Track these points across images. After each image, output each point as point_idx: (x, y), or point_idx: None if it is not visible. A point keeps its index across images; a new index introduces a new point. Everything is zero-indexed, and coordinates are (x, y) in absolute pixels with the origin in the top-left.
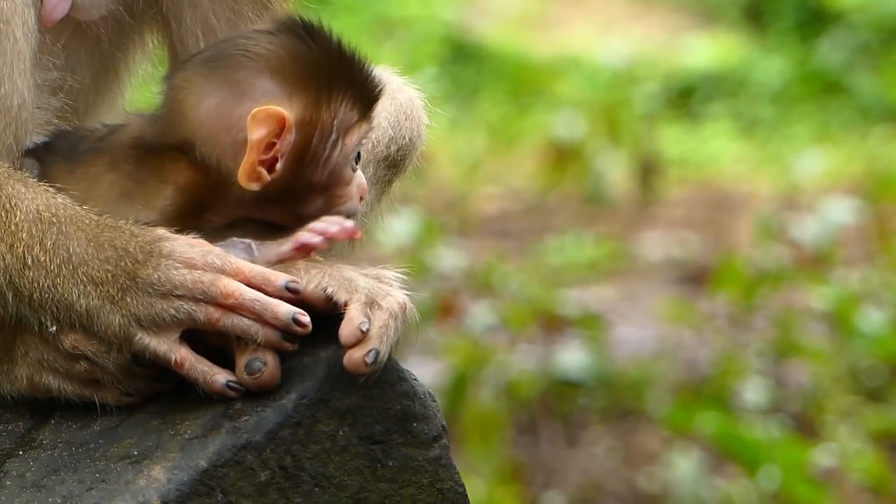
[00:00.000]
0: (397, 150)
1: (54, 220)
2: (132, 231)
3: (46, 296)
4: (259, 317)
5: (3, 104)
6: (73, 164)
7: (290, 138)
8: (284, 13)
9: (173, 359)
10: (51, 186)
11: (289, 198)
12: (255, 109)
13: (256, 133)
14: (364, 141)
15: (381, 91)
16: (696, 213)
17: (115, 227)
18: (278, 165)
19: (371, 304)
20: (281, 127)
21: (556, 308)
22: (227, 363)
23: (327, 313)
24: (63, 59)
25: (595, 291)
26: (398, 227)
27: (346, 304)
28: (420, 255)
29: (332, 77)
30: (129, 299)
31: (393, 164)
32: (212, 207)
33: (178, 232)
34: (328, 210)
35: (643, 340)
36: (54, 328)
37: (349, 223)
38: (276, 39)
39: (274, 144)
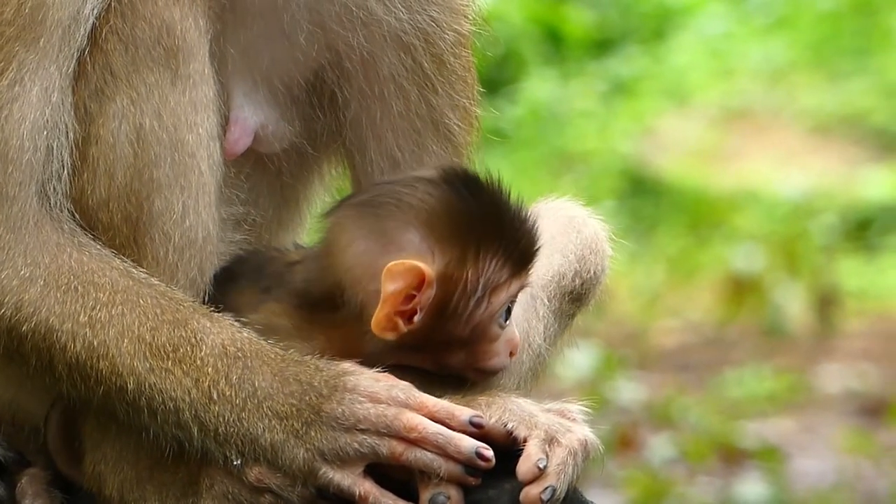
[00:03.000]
0: (581, 284)
1: (240, 355)
2: (317, 365)
3: (232, 430)
4: (442, 451)
5: (189, 237)
6: (255, 295)
7: (430, 292)
8: (465, 149)
9: (357, 493)
10: (235, 320)
11: (430, 349)
12: (392, 263)
13: (391, 286)
14: (514, 299)
15: (536, 251)
16: (874, 345)
17: (300, 361)
18: (417, 318)
19: (550, 440)
20: (420, 281)
21: (735, 440)
22: (410, 496)
23: (508, 448)
24: (245, 193)
25: (774, 423)
26: (578, 360)
27: (525, 440)
28: (600, 388)
29: (483, 234)
30: (313, 433)
31: (577, 298)
32: (362, 352)
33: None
34: (473, 364)
35: (822, 472)
36: (239, 462)
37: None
38: (433, 190)
39: (414, 296)
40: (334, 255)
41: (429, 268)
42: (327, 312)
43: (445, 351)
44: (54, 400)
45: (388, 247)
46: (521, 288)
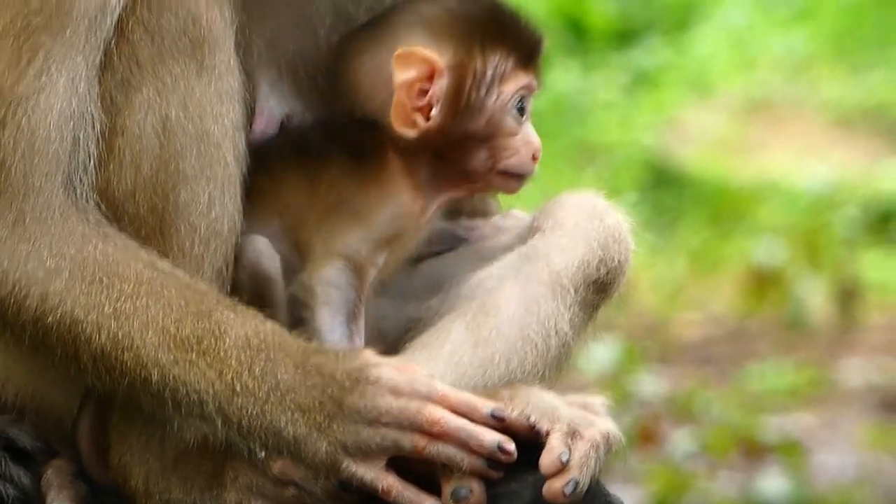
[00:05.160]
0: (607, 273)
1: (262, 347)
2: (338, 356)
3: (255, 423)
4: (465, 444)
5: (214, 228)
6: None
7: (441, 83)
8: None
9: (380, 486)
10: (259, 312)
11: (451, 149)
12: (401, 50)
13: (403, 74)
14: (527, 96)
15: (539, 42)
16: None
17: (322, 352)
18: (434, 111)
19: (573, 433)
20: (430, 70)
21: (757, 434)
22: (433, 489)
23: (531, 441)
24: None
25: (795, 418)
26: (600, 353)
27: (548, 433)
28: (621, 381)
29: (486, 27)
30: (335, 426)
31: (602, 288)
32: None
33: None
34: (497, 164)
35: (843, 467)
36: (263, 454)
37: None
38: (430, 2)
39: (427, 91)
40: (345, 79)
41: (438, 58)
42: (362, 148)
43: (466, 151)
44: (83, 400)
45: (395, 46)
46: (530, 84)
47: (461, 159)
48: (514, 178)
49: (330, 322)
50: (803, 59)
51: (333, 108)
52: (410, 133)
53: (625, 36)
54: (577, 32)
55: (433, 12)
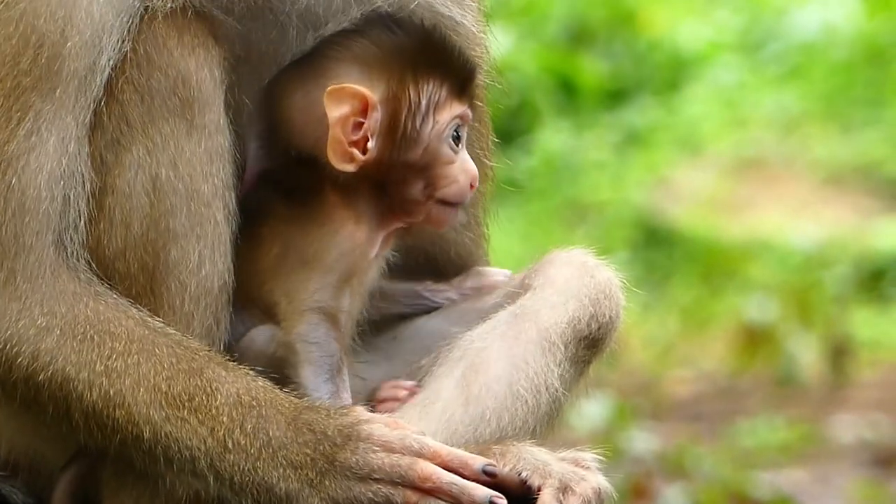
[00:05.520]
0: (598, 329)
1: (254, 404)
2: (329, 412)
3: (247, 479)
4: (456, 500)
5: (205, 286)
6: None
7: (376, 115)
8: (480, 199)
9: None
10: (250, 370)
11: (390, 180)
12: (331, 87)
13: (336, 110)
14: (462, 125)
15: (473, 71)
16: (888, 395)
17: (313, 408)
18: (370, 144)
19: (564, 489)
20: (363, 104)
21: (749, 490)
22: None
23: (523, 496)
24: None
25: (787, 474)
26: (591, 409)
27: (539, 489)
28: (613, 437)
29: (417, 57)
30: (328, 483)
31: (593, 344)
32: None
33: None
34: (434, 192)
35: None
36: None
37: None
38: (360, 32)
39: (361, 124)
40: (276, 117)
41: (370, 92)
42: (299, 188)
43: (405, 182)
44: (66, 462)
45: (326, 83)
46: (464, 114)
47: (399, 190)
48: (451, 208)
49: (314, 380)
50: (794, 118)
51: (268, 150)
52: (349, 167)
53: (616, 95)
54: (569, 92)
55: (363, 46)
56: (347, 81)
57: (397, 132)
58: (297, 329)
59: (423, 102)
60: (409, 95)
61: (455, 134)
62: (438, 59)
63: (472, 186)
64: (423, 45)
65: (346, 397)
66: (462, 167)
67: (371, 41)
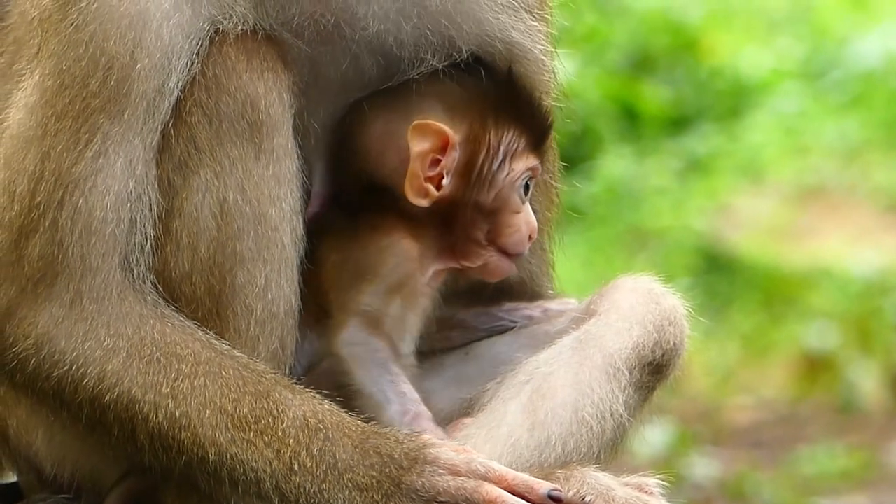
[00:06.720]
0: (662, 355)
1: (321, 427)
2: (397, 437)
3: (312, 501)
4: None
5: (271, 310)
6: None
7: (454, 155)
8: (546, 225)
9: None
10: (317, 393)
11: (457, 219)
12: (417, 122)
13: (418, 145)
14: (532, 177)
15: (550, 127)
16: None
17: (380, 433)
18: (444, 181)
19: None
20: (444, 142)
21: None
22: None
23: None
24: None
25: (847, 500)
26: (653, 436)
27: None
28: (674, 464)
29: (501, 104)
30: None
31: (657, 370)
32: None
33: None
34: (497, 239)
35: None
36: None
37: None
38: (447, 75)
39: (439, 161)
40: (353, 146)
41: (452, 131)
42: (364, 213)
43: (471, 223)
44: (115, 481)
45: (410, 116)
46: (536, 167)
47: (464, 230)
48: (508, 258)
49: (368, 377)
50: (855, 146)
51: (338, 175)
52: (422, 202)
53: (678, 122)
54: (631, 119)
55: (449, 86)
56: (431, 118)
57: (472, 173)
58: (339, 336)
59: (502, 149)
60: (489, 140)
61: (525, 185)
62: (521, 111)
63: (530, 238)
64: (508, 94)
65: (408, 389)
66: (526, 218)
67: (457, 82)
